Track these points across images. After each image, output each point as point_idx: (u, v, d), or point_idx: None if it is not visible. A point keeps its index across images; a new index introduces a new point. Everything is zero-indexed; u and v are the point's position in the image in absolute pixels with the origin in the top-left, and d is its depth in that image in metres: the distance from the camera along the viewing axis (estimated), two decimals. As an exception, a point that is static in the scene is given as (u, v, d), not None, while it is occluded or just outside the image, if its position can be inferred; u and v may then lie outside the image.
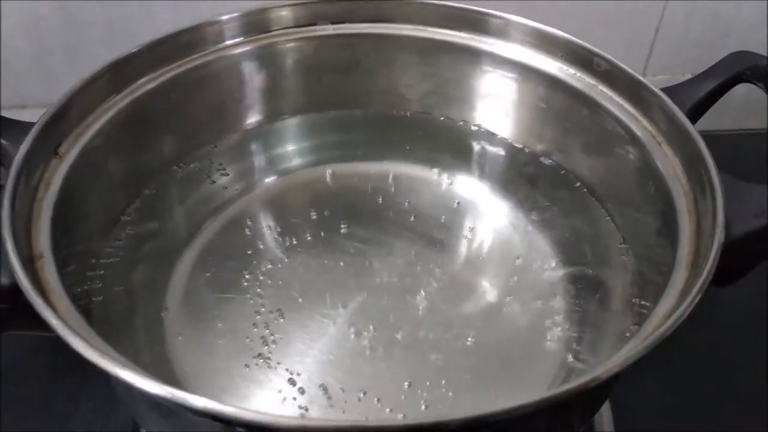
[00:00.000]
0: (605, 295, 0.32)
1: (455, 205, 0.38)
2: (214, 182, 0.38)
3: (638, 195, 0.32)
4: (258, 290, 0.34)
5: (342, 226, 0.37)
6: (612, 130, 0.34)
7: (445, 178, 0.39)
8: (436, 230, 0.37)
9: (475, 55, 0.38)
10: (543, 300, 0.32)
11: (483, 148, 0.40)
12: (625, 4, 0.54)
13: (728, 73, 0.34)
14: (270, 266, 0.35)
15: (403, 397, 0.30)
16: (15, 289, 0.25)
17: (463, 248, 0.36)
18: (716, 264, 0.24)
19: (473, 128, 0.40)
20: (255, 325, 0.32)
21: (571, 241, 0.35)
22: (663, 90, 0.33)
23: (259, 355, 0.31)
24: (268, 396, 0.29)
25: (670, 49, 0.48)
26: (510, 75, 0.38)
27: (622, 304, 0.30)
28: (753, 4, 0.56)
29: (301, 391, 0.30)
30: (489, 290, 0.34)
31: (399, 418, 0.29)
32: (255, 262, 0.35)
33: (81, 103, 0.31)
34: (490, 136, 0.40)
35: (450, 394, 0.29)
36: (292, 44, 0.38)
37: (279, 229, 0.37)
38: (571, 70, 0.36)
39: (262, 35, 0.37)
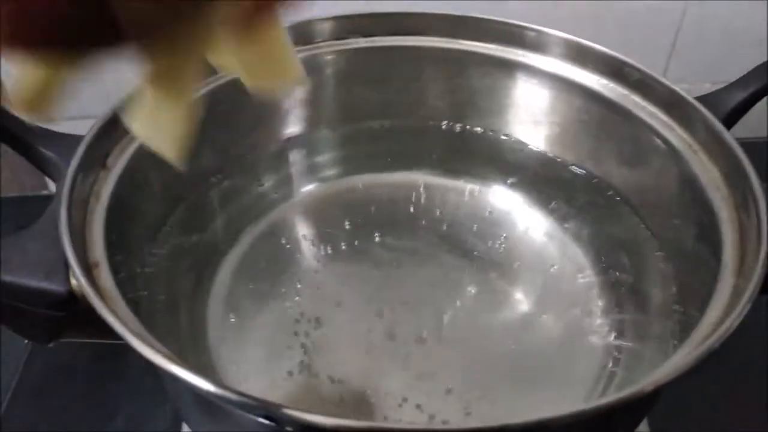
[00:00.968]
0: (644, 302, 0.32)
1: (487, 214, 0.39)
2: (251, 192, 0.38)
3: (675, 203, 0.32)
4: (296, 299, 0.34)
5: (376, 235, 0.37)
6: (646, 139, 0.34)
7: (476, 187, 0.40)
8: (469, 239, 0.37)
9: (504, 66, 0.39)
10: (580, 307, 0.33)
11: (514, 158, 0.40)
12: (643, 14, 0.55)
13: (761, 82, 0.34)
14: (307, 275, 0.35)
15: (443, 402, 0.30)
16: (71, 298, 0.26)
17: (497, 257, 0.36)
18: (765, 272, 0.24)
19: (503, 138, 0.41)
20: (296, 333, 0.33)
21: (606, 249, 0.35)
22: (696, 98, 0.33)
23: (301, 362, 0.31)
24: (312, 402, 0.30)
25: (687, 59, 0.48)
26: (540, 85, 0.38)
27: (662, 311, 0.30)
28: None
29: (343, 398, 0.30)
30: (525, 298, 0.34)
31: (441, 424, 0.29)
32: (292, 271, 0.35)
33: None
34: (522, 146, 0.40)
35: (490, 400, 0.30)
36: (328, 57, 0.39)
37: (315, 239, 0.37)
38: (603, 80, 0.36)
39: (305, 47, 0.38)
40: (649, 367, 0.29)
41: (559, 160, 0.39)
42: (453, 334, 0.33)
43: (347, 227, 0.38)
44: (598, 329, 0.32)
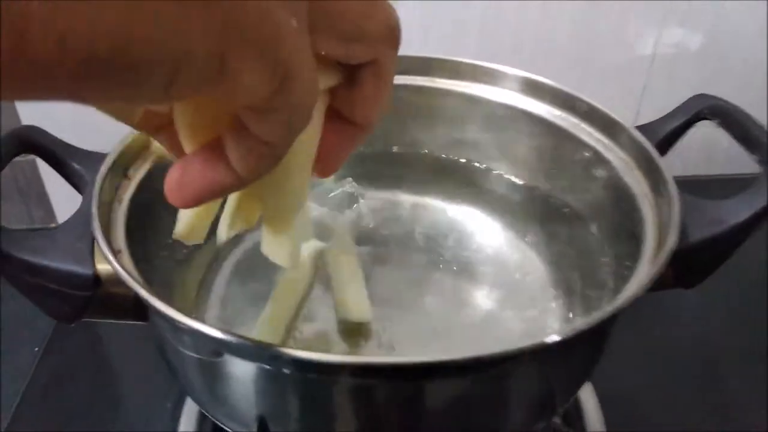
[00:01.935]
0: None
1: (456, 228, 0.44)
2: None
3: (616, 212, 0.37)
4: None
5: (361, 246, 0.42)
6: (591, 160, 0.39)
7: (445, 205, 0.45)
8: (440, 249, 0.42)
9: (472, 101, 0.44)
10: (539, 302, 0.38)
11: (481, 181, 0.46)
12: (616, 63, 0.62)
13: (690, 112, 0.39)
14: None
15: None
16: (95, 280, 0.31)
17: (464, 263, 0.41)
18: (671, 255, 0.29)
19: (473, 164, 0.46)
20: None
21: (562, 257, 0.40)
22: (636, 127, 0.39)
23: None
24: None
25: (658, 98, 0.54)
26: (503, 117, 0.44)
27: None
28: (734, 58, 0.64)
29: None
30: (488, 295, 0.39)
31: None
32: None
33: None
34: (487, 171, 0.46)
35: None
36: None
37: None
38: (557, 112, 0.42)
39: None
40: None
41: (520, 182, 0.45)
42: (426, 326, 0.37)
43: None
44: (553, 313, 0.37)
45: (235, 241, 0.41)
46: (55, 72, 0.13)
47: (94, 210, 0.31)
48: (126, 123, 0.22)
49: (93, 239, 0.31)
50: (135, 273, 0.29)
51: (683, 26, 0.63)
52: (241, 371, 0.28)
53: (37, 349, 0.49)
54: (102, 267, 0.30)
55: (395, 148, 0.48)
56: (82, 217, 0.32)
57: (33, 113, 0.49)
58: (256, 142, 0.18)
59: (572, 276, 0.39)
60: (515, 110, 0.43)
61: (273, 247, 0.26)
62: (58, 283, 0.30)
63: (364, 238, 0.42)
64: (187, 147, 0.21)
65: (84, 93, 0.15)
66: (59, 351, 0.50)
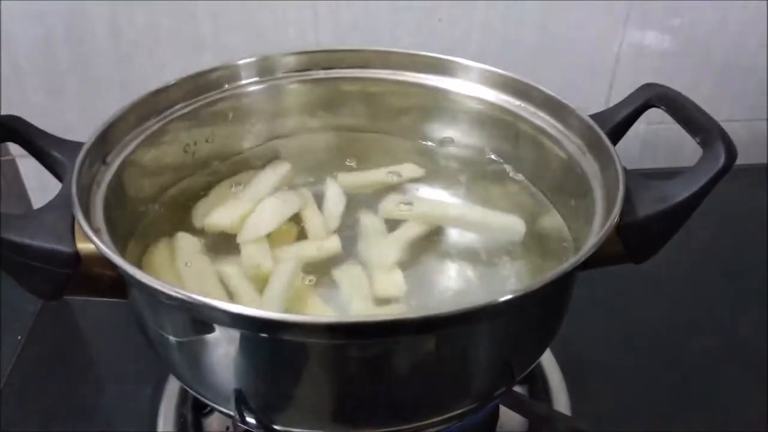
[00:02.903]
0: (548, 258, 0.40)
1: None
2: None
3: (569, 188, 0.40)
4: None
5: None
6: (549, 144, 0.42)
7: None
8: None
9: (439, 92, 0.47)
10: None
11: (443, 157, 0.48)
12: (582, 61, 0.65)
13: (640, 100, 0.42)
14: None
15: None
16: (76, 258, 0.32)
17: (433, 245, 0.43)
18: (616, 225, 0.32)
19: (437, 143, 0.49)
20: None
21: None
22: (590, 116, 0.41)
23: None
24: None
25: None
26: (467, 107, 0.46)
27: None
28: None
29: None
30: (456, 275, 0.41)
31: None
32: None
33: (125, 124, 0.39)
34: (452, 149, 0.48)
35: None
36: (293, 86, 0.47)
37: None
38: (516, 101, 0.44)
39: (269, 77, 0.46)
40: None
41: (484, 162, 0.47)
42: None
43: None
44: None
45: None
46: None
47: (74, 191, 0.32)
48: None
49: (73, 220, 0.33)
50: (113, 249, 0.31)
51: (647, 25, 0.67)
52: (220, 339, 0.29)
53: (20, 337, 0.51)
54: (82, 246, 0.32)
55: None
56: (62, 199, 0.34)
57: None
58: None
59: (530, 236, 0.41)
60: (475, 100, 0.46)
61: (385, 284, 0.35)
62: (41, 261, 0.32)
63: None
64: None
65: None
66: (42, 339, 0.51)
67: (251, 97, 0.46)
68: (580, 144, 0.40)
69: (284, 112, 0.48)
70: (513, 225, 0.41)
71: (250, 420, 0.33)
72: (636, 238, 0.36)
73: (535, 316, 0.34)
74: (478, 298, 0.27)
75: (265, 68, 0.46)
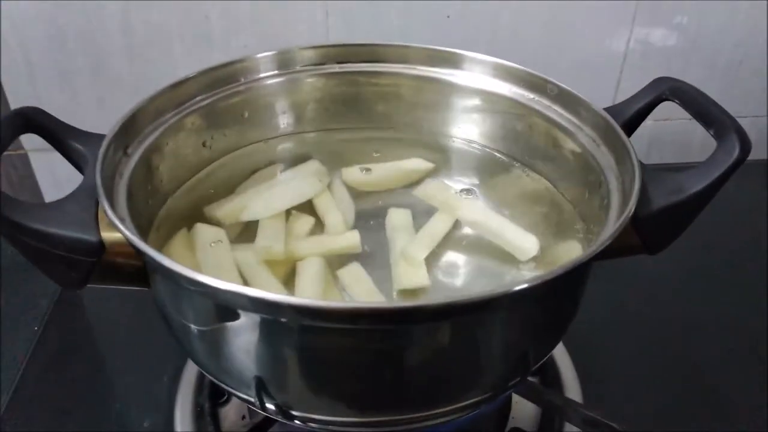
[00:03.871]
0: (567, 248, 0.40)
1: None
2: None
3: (583, 181, 0.41)
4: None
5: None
6: (562, 137, 0.42)
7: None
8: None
9: (453, 86, 0.47)
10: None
11: (463, 155, 0.49)
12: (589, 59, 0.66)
13: (652, 94, 0.42)
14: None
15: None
16: (100, 246, 0.33)
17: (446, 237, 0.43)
18: (632, 217, 0.32)
19: (454, 139, 0.49)
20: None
21: (538, 217, 0.43)
22: (603, 109, 0.42)
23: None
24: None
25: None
26: (481, 100, 0.47)
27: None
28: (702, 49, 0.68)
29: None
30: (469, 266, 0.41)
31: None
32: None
33: (145, 116, 0.40)
34: (466, 143, 0.49)
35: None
36: (309, 79, 0.47)
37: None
38: (530, 95, 0.45)
39: (289, 70, 0.47)
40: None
41: (497, 154, 0.47)
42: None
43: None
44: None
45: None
46: None
47: (99, 180, 0.33)
48: None
49: (97, 210, 0.33)
50: (137, 237, 0.31)
51: (654, 23, 0.67)
52: (243, 326, 0.30)
53: (36, 328, 0.51)
54: (106, 234, 0.33)
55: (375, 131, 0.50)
56: (85, 190, 0.34)
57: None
58: None
59: (548, 228, 0.42)
60: (489, 93, 0.46)
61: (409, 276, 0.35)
62: (66, 250, 0.32)
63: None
64: None
65: None
66: (58, 329, 0.52)
67: (268, 90, 0.47)
68: (594, 136, 0.41)
69: (301, 106, 0.49)
70: (526, 245, 0.40)
71: (270, 406, 0.34)
72: (651, 230, 0.36)
73: (551, 305, 0.34)
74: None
75: (282, 62, 0.46)
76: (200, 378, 0.47)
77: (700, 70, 0.70)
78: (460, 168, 0.48)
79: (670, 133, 0.74)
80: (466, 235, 0.42)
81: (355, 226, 0.42)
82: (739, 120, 0.37)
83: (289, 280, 0.38)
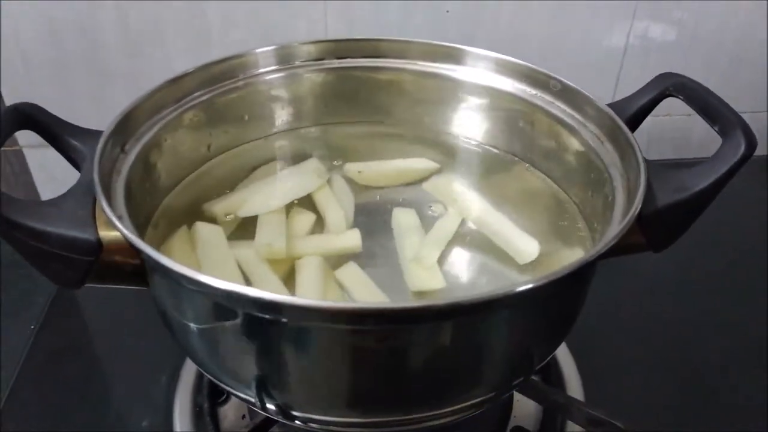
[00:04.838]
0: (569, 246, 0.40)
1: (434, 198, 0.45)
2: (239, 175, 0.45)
3: (586, 178, 0.40)
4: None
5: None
6: (565, 133, 0.42)
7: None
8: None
9: (455, 82, 0.47)
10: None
11: (463, 151, 0.48)
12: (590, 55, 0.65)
13: (656, 89, 0.42)
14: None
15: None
16: (98, 245, 0.32)
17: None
18: (638, 215, 0.31)
19: (455, 136, 0.49)
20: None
21: (539, 213, 0.43)
22: (607, 105, 0.41)
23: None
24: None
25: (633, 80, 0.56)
26: (483, 96, 0.46)
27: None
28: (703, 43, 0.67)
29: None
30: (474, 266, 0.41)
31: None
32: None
33: (143, 113, 0.39)
34: (467, 140, 0.48)
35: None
36: (308, 75, 0.47)
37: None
38: (532, 90, 0.44)
39: (289, 65, 0.46)
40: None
41: (497, 151, 0.47)
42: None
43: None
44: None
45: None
46: None
47: (96, 177, 0.32)
48: None
49: (94, 208, 0.33)
50: (135, 234, 0.31)
51: (654, 18, 0.67)
52: (243, 326, 0.29)
53: (33, 326, 0.51)
54: (104, 233, 0.32)
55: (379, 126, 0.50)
56: (82, 187, 0.34)
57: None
58: None
59: (550, 226, 0.42)
60: (491, 89, 0.46)
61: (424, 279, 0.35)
62: (63, 248, 0.32)
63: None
64: None
65: None
66: (55, 328, 0.51)
67: (268, 85, 0.46)
68: (598, 133, 0.40)
69: (300, 101, 0.48)
70: (526, 249, 0.39)
71: (271, 407, 0.33)
72: (656, 227, 0.36)
73: (556, 304, 0.34)
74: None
75: (282, 57, 0.46)
76: (199, 377, 0.46)
77: (700, 65, 0.70)
78: (461, 164, 0.47)
79: (670, 129, 0.74)
80: (470, 231, 0.42)
81: (354, 222, 0.42)
82: (741, 115, 0.36)
83: (288, 279, 0.37)
